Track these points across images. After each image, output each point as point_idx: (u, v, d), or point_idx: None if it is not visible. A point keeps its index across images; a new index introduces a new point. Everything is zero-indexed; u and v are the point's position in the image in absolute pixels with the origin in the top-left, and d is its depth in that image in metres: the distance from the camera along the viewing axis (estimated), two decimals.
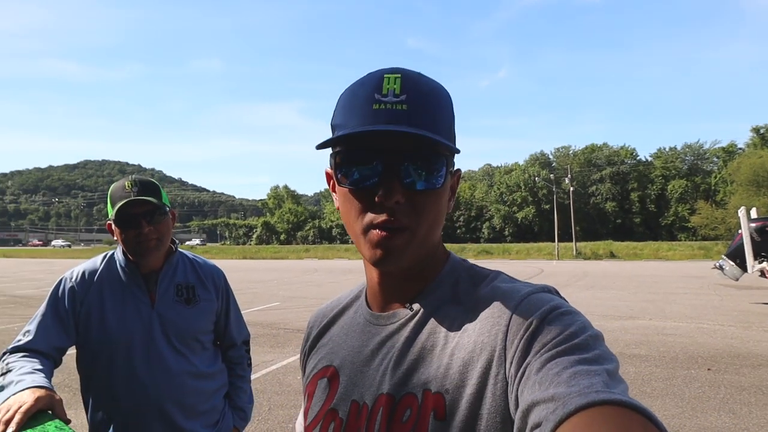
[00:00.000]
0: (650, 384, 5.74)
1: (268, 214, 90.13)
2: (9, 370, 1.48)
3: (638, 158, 70.43)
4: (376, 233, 0.68)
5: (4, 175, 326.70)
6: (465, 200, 75.20)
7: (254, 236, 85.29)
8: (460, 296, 0.74)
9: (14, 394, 1.33)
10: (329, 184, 0.80)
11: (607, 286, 17.12)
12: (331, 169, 0.74)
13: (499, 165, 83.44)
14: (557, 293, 0.71)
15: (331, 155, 0.73)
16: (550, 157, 75.09)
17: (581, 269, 26.81)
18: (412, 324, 0.75)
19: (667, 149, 69.10)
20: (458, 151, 0.73)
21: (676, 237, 59.42)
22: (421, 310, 0.75)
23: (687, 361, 6.77)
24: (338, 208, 0.77)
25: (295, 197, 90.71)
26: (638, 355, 7.12)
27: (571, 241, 45.99)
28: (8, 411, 1.27)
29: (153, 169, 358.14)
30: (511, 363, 0.61)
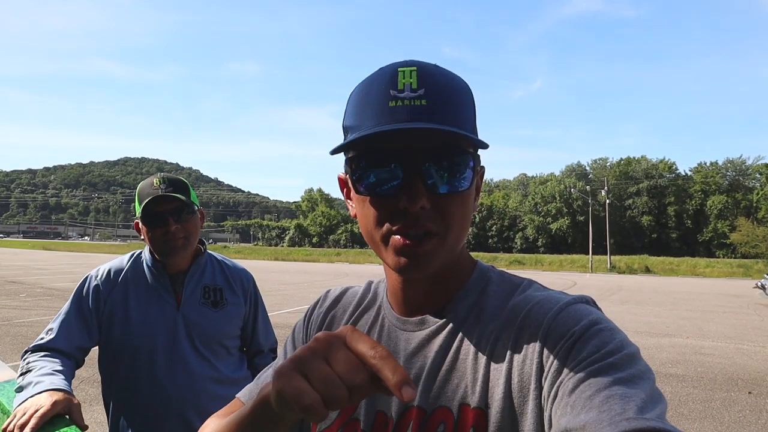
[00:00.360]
0: (687, 405, 5.52)
1: (301, 216, 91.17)
2: (29, 370, 1.45)
3: (677, 172, 68.54)
4: (399, 240, 0.63)
5: (47, 169, 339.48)
6: (498, 209, 74.43)
7: (287, 238, 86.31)
8: (492, 304, 0.69)
9: (32, 396, 1.30)
10: (343, 192, 0.74)
11: (642, 302, 16.60)
12: (346, 174, 0.69)
13: (534, 175, 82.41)
14: (594, 304, 0.67)
15: (346, 160, 0.68)
16: (587, 168, 73.82)
17: (615, 283, 26.15)
18: (444, 333, 0.70)
19: (707, 164, 67.09)
20: (486, 146, 0.66)
21: (714, 254, 57.53)
22: (453, 318, 0.71)
23: (726, 382, 6.48)
24: (354, 216, 0.72)
25: (329, 201, 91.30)
26: (675, 374, 6.85)
27: (605, 254, 44.92)
28: (25, 414, 1.24)
29: (190, 168, 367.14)
30: (546, 379, 0.59)
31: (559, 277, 30.64)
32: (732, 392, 6.08)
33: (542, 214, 69.26)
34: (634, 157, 71.38)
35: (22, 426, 1.21)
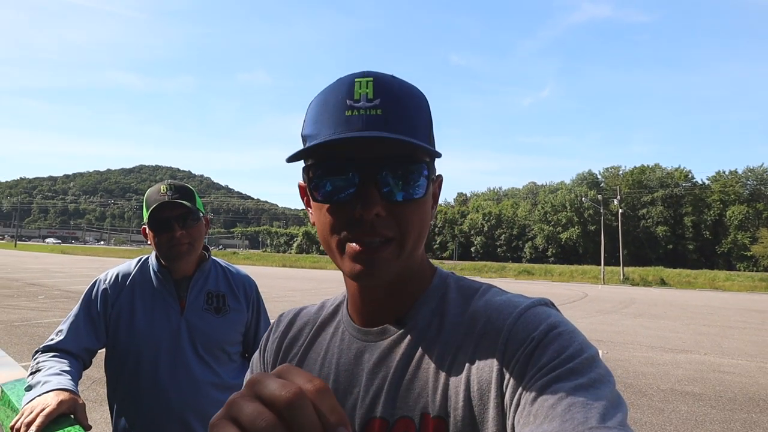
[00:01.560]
0: (704, 426, 5.32)
1: (309, 223, 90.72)
2: (38, 370, 1.50)
3: (694, 181, 67.70)
4: (354, 247, 0.64)
5: (67, 176, 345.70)
6: (507, 218, 74.12)
7: (295, 245, 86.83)
8: (452, 312, 0.70)
9: (39, 396, 1.34)
10: (303, 200, 0.74)
11: (656, 315, 16.25)
12: (304, 182, 0.70)
13: (544, 183, 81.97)
14: (553, 306, 0.68)
15: (303, 168, 0.69)
16: (599, 177, 73.23)
17: (628, 295, 25.72)
18: (405, 342, 0.70)
19: (726, 173, 66.21)
20: (439, 155, 0.68)
21: (734, 266, 56.62)
22: (413, 326, 0.70)
23: (747, 403, 6.26)
24: (313, 224, 0.72)
25: None
26: (691, 392, 6.64)
27: (618, 265, 44.31)
28: (32, 413, 1.28)
29: (202, 176, 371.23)
30: (507, 387, 0.59)
31: (570, 289, 30.27)
32: (753, 413, 5.86)
33: (552, 223, 68.82)
34: (648, 166, 70.77)
35: (29, 424, 1.25)
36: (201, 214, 1.79)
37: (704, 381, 7.28)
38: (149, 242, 1.76)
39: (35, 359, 1.58)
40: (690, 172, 67.92)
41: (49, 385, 1.38)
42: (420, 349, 0.69)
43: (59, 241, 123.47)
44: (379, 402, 0.68)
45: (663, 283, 40.51)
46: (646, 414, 5.62)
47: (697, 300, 24.19)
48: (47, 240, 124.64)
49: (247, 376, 0.88)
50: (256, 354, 0.89)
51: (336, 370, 0.75)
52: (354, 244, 0.64)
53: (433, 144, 0.70)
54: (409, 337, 0.70)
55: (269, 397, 0.34)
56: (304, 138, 0.68)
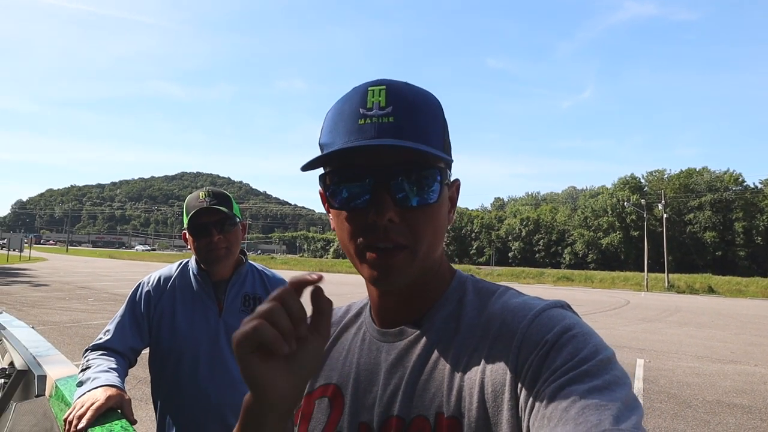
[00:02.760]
0: None
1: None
2: (88, 367, 1.58)
3: (745, 185, 64.73)
4: (371, 254, 0.66)
5: (114, 184, 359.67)
6: (546, 223, 72.78)
7: (331, 250, 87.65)
8: (469, 314, 0.70)
9: (89, 391, 1.43)
10: (324, 206, 0.75)
11: (703, 324, 15.61)
12: (322, 190, 0.71)
13: (584, 188, 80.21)
14: (569, 308, 0.68)
15: (320, 176, 0.70)
16: (642, 181, 70.90)
17: (673, 303, 24.81)
18: (422, 343, 0.71)
19: None
20: (450, 161, 0.70)
21: None
22: (431, 328, 0.72)
23: None
24: (334, 229, 0.74)
25: None
26: (740, 405, 6.37)
27: (662, 271, 42.77)
28: (83, 406, 1.36)
29: (241, 182, 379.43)
30: (521, 389, 0.59)
31: (611, 296, 29.42)
32: None
33: (593, 228, 67.20)
34: (695, 169, 68.14)
35: (80, 416, 1.34)
36: (238, 220, 1.86)
37: (754, 393, 6.98)
38: (189, 247, 1.84)
39: (85, 357, 1.67)
40: (741, 175, 65.08)
41: (98, 381, 1.47)
42: (436, 350, 0.69)
43: (148, 247, 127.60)
44: (396, 401, 0.69)
45: (711, 290, 38.82)
46: (690, 426, 5.44)
47: (748, 309, 23.06)
48: (137, 247, 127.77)
49: None
50: None
51: (357, 369, 0.76)
52: (371, 251, 0.66)
53: (447, 149, 0.70)
54: (425, 338, 0.71)
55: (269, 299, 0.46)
56: (321, 146, 0.70)
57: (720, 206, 62.40)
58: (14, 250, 41.03)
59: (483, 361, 0.64)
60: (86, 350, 1.71)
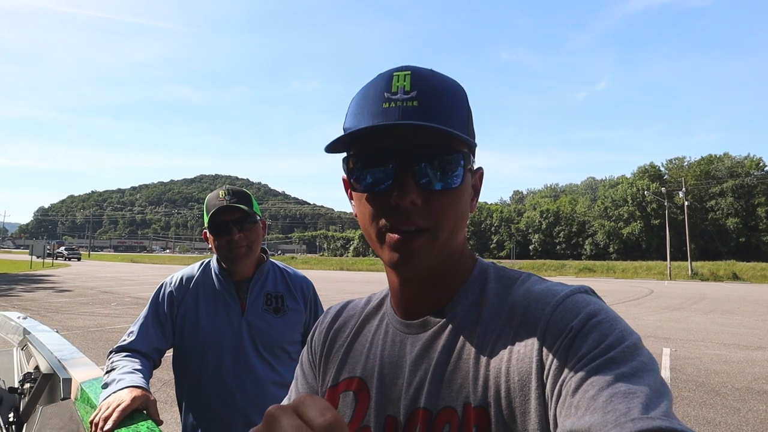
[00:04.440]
0: None
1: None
2: (113, 369, 1.58)
3: (766, 169, 63.16)
4: (393, 236, 0.65)
5: (134, 188, 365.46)
6: (566, 215, 72.01)
7: (351, 248, 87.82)
8: (492, 302, 0.69)
9: (115, 392, 1.43)
10: (347, 192, 0.75)
11: (729, 311, 15.33)
12: (345, 173, 0.71)
13: (604, 178, 79.10)
14: (594, 293, 0.67)
15: (343, 160, 0.70)
16: (662, 169, 69.74)
17: (698, 291, 24.39)
18: (446, 333, 0.70)
19: None
20: (475, 145, 0.69)
21: None
22: (453, 318, 0.71)
23: None
24: (356, 215, 0.73)
25: None
26: None
27: (685, 259, 42.07)
28: (108, 408, 1.37)
29: (259, 183, 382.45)
30: (548, 376, 0.58)
31: (634, 285, 29.01)
32: None
33: (613, 218, 66.27)
34: (715, 155, 66.74)
35: (106, 418, 1.34)
36: (258, 218, 1.85)
37: None
38: (210, 246, 1.83)
39: (110, 359, 1.66)
40: (761, 159, 63.52)
41: (123, 382, 1.46)
42: (460, 339, 0.69)
43: (168, 250, 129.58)
44: (422, 393, 0.68)
45: (735, 277, 38.10)
46: (720, 414, 5.33)
47: None
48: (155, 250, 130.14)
49: (297, 370, 0.91)
50: (305, 348, 0.91)
51: (381, 362, 0.76)
52: (392, 233, 0.65)
53: (472, 135, 0.70)
54: (449, 327, 0.70)
55: (308, 418, 0.35)
56: (345, 131, 0.69)
57: (742, 192, 61.07)
58: (38, 257, 41.83)
59: (508, 350, 0.63)
60: (110, 352, 1.71)
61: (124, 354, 1.69)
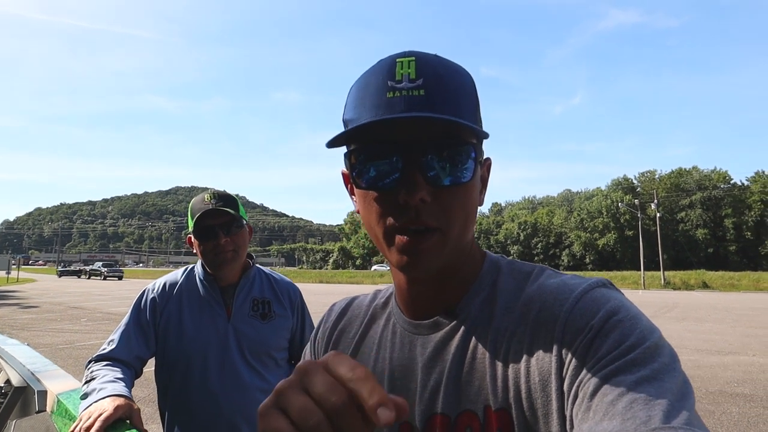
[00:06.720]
0: (758, 427, 5.12)
1: (344, 239, 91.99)
2: (93, 378, 1.52)
3: (733, 182, 65.37)
4: (402, 238, 0.61)
5: (106, 200, 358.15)
6: (543, 227, 73.05)
7: (330, 261, 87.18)
8: (504, 298, 0.66)
9: (96, 402, 1.37)
10: (347, 187, 0.71)
11: (701, 318, 15.70)
12: (347, 169, 0.66)
13: (579, 190, 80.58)
14: (612, 286, 0.63)
15: (345, 154, 0.65)
16: (634, 181, 71.52)
17: (671, 300, 24.88)
18: (459, 334, 0.66)
19: (766, 172, 63.54)
20: (486, 136, 0.64)
21: None
22: (466, 317, 0.67)
23: None
24: (358, 212, 0.69)
25: None
26: (742, 394, 6.40)
27: (658, 269, 43.00)
28: (90, 418, 1.30)
29: (237, 195, 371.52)
30: (566, 376, 0.56)
31: None
32: None
33: (589, 230, 67.42)
34: (685, 169, 68.75)
35: (87, 428, 1.27)
36: (244, 222, 1.82)
37: (754, 382, 7.01)
38: (195, 251, 1.80)
39: (89, 368, 1.60)
40: (727, 173, 65.72)
41: (104, 391, 1.41)
42: (474, 339, 0.65)
43: (142, 264, 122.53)
44: (438, 397, 0.65)
45: (705, 286, 39.12)
46: None
47: (742, 302, 23.24)
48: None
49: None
50: (308, 346, 0.88)
51: (390, 365, 0.72)
52: (401, 234, 0.61)
53: (479, 124, 0.65)
54: (462, 328, 0.67)
55: (318, 396, 0.35)
56: (345, 123, 0.65)
57: (710, 204, 62.94)
58: (4, 272, 40.38)
59: (525, 348, 0.60)
60: (89, 362, 1.65)
61: (104, 363, 1.63)
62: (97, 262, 54.36)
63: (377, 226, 0.63)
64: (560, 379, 0.56)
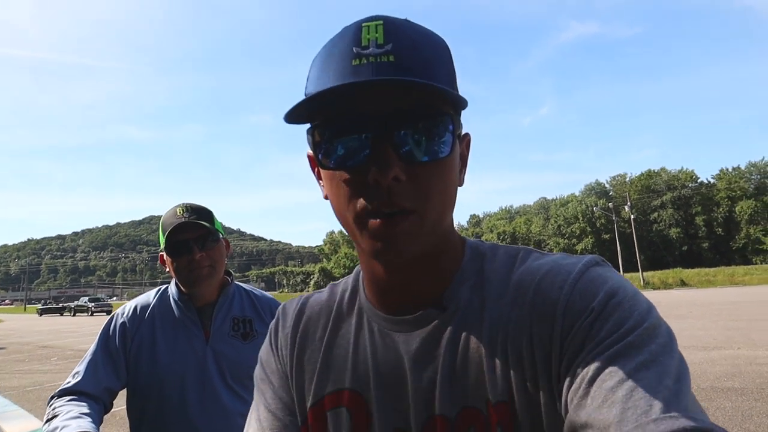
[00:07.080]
0: (752, 420, 5.09)
1: (324, 260, 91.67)
2: (55, 416, 1.39)
3: (700, 181, 67.45)
4: (374, 222, 0.54)
5: (76, 233, 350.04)
6: (522, 235, 73.92)
7: (312, 282, 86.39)
8: (493, 284, 0.61)
9: None
10: (314, 171, 0.65)
11: (682, 316, 15.92)
12: (311, 148, 0.59)
13: (554, 198, 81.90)
14: (606, 263, 0.61)
15: (308, 131, 0.58)
16: (607, 186, 73.20)
17: (652, 299, 23.76)
18: (449, 328, 0.61)
19: (730, 169, 65.81)
20: (466, 104, 0.57)
21: (750, 260, 56.02)
22: (456, 308, 0.61)
23: None
24: (326, 197, 0.62)
25: (351, 242, 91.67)
26: (733, 388, 6.39)
27: (636, 270, 43.75)
28: None
29: None
30: (563, 359, 0.53)
31: None
32: None
33: (566, 235, 68.50)
34: (654, 170, 70.70)
35: None
36: (221, 236, 1.70)
37: (743, 375, 7.03)
38: (168, 269, 1.67)
39: (51, 405, 1.46)
40: (694, 172, 67.78)
41: (68, 429, 1.28)
42: (466, 330, 0.60)
43: (112, 297, 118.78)
44: (434, 399, 0.59)
45: (683, 284, 39.96)
46: None
47: (720, 297, 23.75)
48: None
49: (261, 385, 0.76)
50: (267, 348, 0.78)
51: (375, 368, 0.64)
52: (373, 218, 0.54)
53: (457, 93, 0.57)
54: (452, 320, 0.61)
55: None
56: (307, 97, 0.55)
57: (680, 203, 64.75)
58: None
59: (523, 335, 0.56)
60: (52, 397, 1.49)
61: (69, 398, 1.48)
62: (82, 297, 51.20)
63: (347, 210, 0.56)
64: (560, 363, 0.54)
